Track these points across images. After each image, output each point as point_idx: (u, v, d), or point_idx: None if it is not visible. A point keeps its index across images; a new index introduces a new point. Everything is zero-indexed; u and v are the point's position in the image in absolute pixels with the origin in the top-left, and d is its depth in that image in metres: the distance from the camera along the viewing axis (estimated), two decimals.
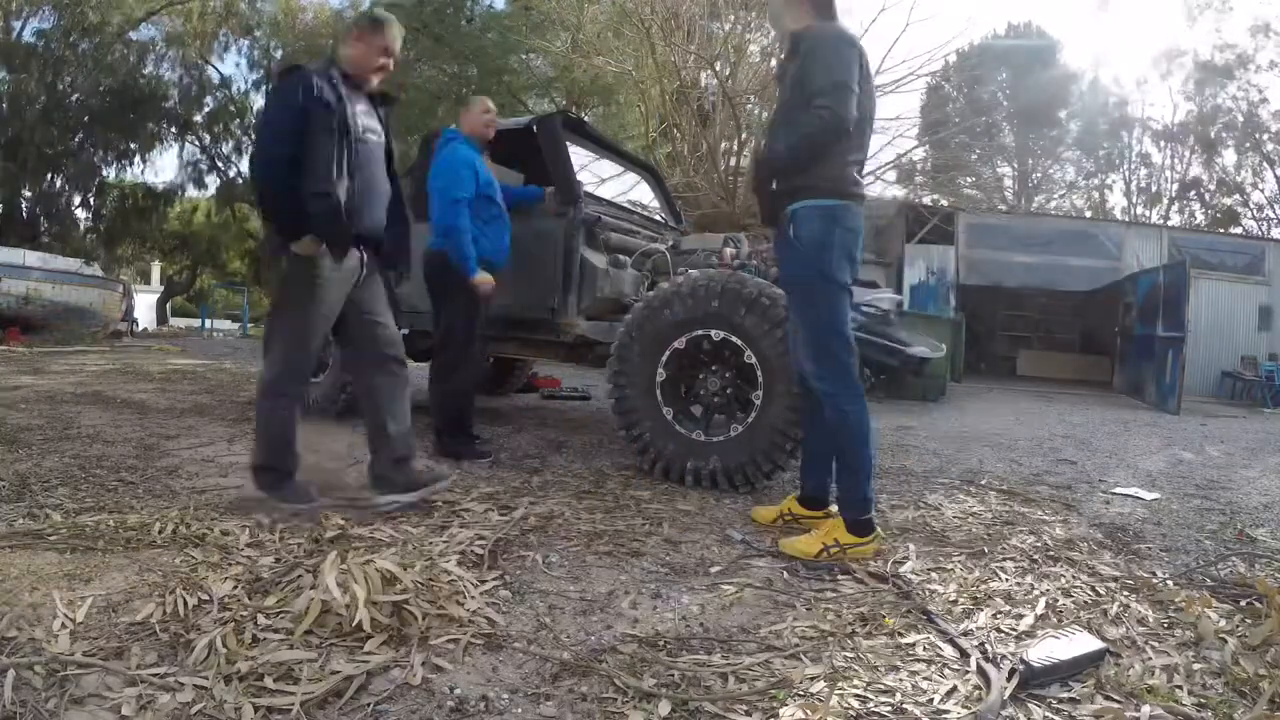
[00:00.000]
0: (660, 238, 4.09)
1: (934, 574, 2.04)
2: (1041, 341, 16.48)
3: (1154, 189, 24.52)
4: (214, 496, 2.48)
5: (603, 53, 11.30)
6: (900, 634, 1.62)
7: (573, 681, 1.37)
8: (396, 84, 14.24)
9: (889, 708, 1.31)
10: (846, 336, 2.21)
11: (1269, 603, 1.75)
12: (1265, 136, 21.61)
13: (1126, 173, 25.33)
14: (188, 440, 3.43)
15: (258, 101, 21.31)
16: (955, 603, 1.83)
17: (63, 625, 1.45)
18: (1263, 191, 22.66)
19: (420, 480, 2.50)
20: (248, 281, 24.90)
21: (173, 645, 1.41)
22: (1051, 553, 2.28)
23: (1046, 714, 1.33)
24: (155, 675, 1.29)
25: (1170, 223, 21.48)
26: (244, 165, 21.63)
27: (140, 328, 16.46)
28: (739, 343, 2.93)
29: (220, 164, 22.01)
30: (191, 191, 22.81)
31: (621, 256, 3.64)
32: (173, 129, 20.86)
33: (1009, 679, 1.40)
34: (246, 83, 21.46)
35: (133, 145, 20.12)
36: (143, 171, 26.47)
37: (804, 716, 1.27)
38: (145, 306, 20.75)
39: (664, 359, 3.06)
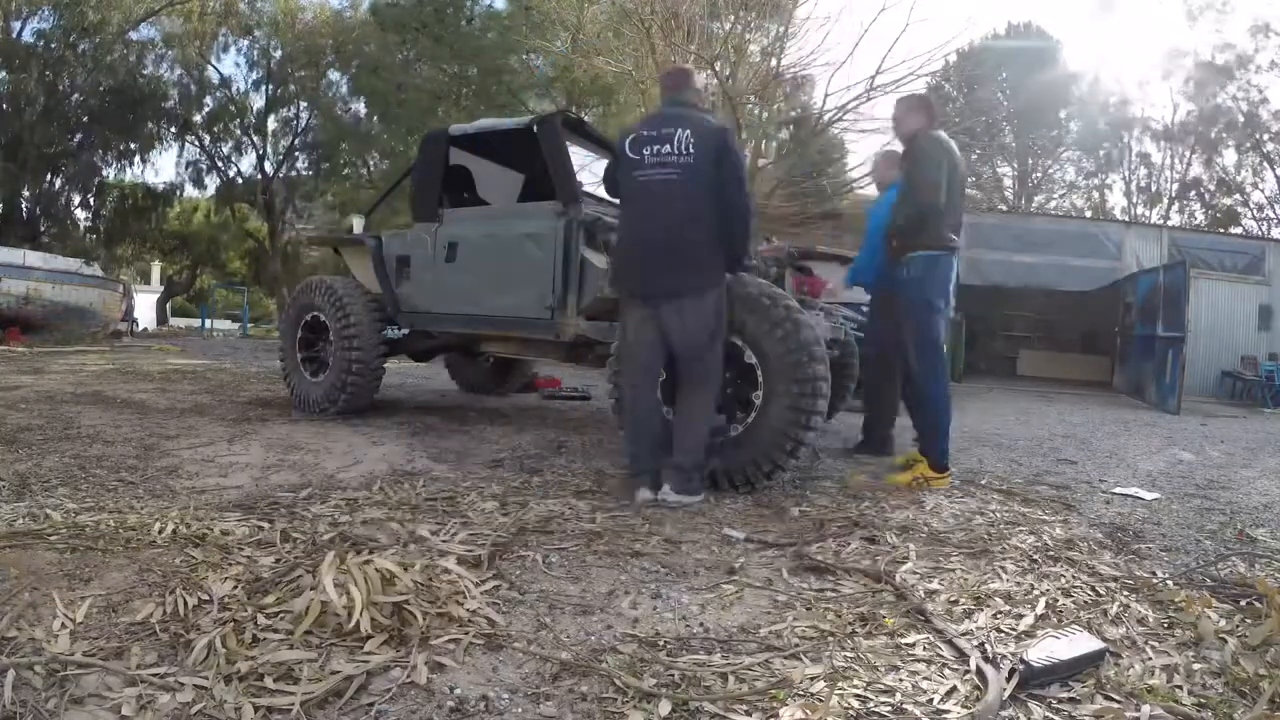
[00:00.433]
0: None
1: (934, 574, 2.04)
2: (1041, 341, 16.48)
3: (1154, 189, 24.53)
4: (214, 496, 2.48)
5: (603, 53, 11.29)
6: (900, 634, 1.62)
7: (573, 681, 1.37)
8: (396, 84, 14.28)
9: (889, 708, 1.31)
10: (938, 342, 3.29)
11: (1269, 603, 1.75)
12: (1265, 136, 21.60)
13: (1126, 173, 25.35)
14: (188, 440, 3.44)
15: (257, 101, 21.37)
16: (955, 603, 1.83)
17: (63, 625, 1.45)
18: (1263, 191, 22.68)
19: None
20: (247, 281, 24.92)
21: (173, 645, 1.41)
22: (1051, 553, 2.28)
23: (1046, 714, 1.33)
24: (155, 675, 1.29)
25: (1170, 223, 21.48)
26: (244, 165, 21.70)
27: (140, 328, 16.48)
28: (739, 343, 2.93)
29: (220, 164, 22.05)
30: (191, 191, 22.87)
31: None
32: (172, 129, 20.91)
33: (1008, 679, 1.40)
34: (246, 83, 21.54)
35: (132, 145, 20.17)
36: (142, 171, 26.55)
37: (804, 716, 1.27)
38: (145, 306, 20.75)
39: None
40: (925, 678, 1.43)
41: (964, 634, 1.62)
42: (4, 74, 16.91)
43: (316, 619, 1.47)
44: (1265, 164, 22.12)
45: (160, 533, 1.98)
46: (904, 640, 1.59)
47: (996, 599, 1.85)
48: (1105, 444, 5.26)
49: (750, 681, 1.39)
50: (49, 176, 19.21)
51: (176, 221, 24.02)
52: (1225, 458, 4.89)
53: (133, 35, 18.44)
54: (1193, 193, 24.13)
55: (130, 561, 1.80)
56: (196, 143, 21.67)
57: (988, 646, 1.55)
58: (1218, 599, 1.89)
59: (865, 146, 40.66)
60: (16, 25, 17.26)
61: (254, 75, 21.29)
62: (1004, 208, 22.20)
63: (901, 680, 1.41)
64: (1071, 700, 1.37)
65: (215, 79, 21.23)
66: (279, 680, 1.29)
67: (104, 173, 20.58)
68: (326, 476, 2.87)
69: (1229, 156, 23.12)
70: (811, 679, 1.39)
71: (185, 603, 1.57)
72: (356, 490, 2.64)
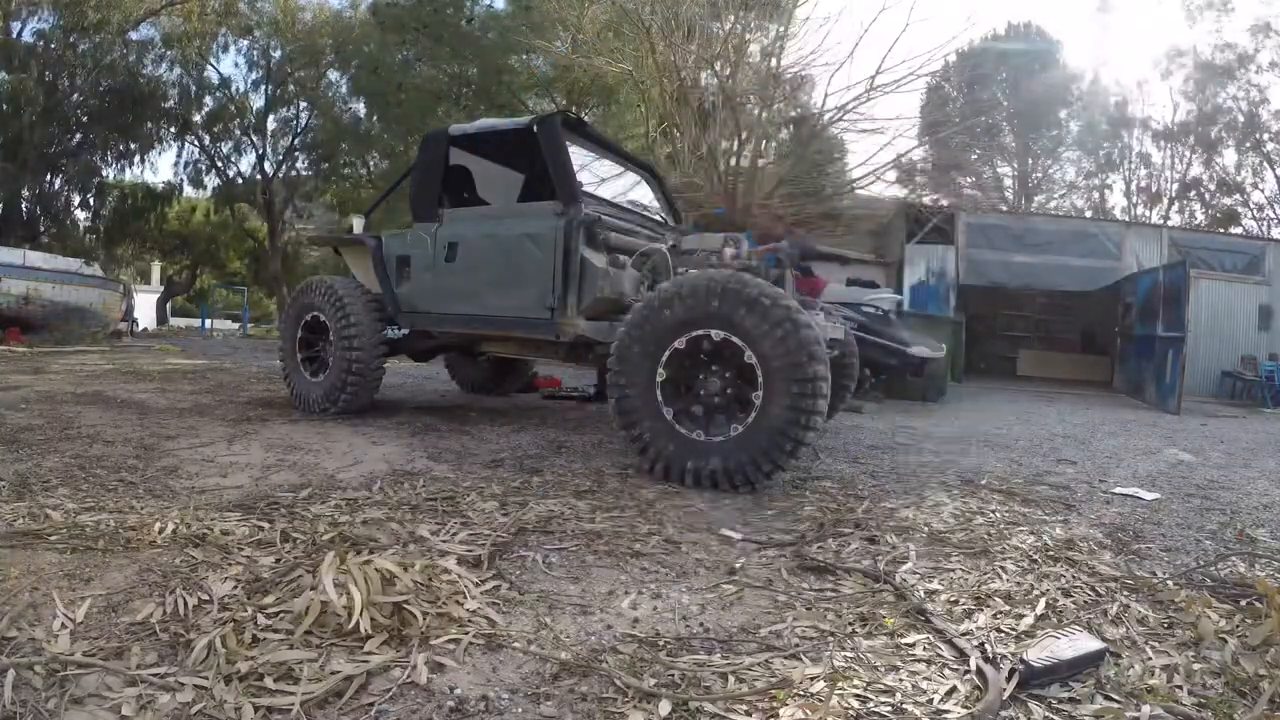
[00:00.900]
0: (660, 238, 4.09)
1: (934, 574, 2.04)
2: (1041, 341, 16.50)
3: (1154, 189, 24.52)
4: (214, 496, 2.48)
5: (603, 53, 11.29)
6: (900, 634, 1.62)
7: (573, 681, 1.37)
8: (396, 84, 14.28)
9: (889, 708, 1.31)
10: None
11: (1269, 603, 1.75)
12: (1265, 136, 21.60)
13: (1126, 173, 25.34)
14: (188, 440, 3.44)
15: (257, 101, 21.37)
16: (955, 603, 1.83)
17: (63, 625, 1.45)
18: (1263, 191, 22.67)
19: None
20: (247, 281, 24.92)
21: (173, 645, 1.41)
22: (1051, 553, 2.28)
23: (1046, 714, 1.33)
24: (155, 675, 1.29)
25: (1170, 223, 21.46)
26: (244, 165, 21.72)
27: (140, 328, 16.49)
28: (739, 343, 2.93)
29: (219, 164, 22.05)
30: (191, 191, 22.86)
31: (621, 256, 3.64)
32: (172, 129, 20.90)
33: (1009, 679, 1.40)
34: (246, 83, 21.53)
35: (132, 145, 20.17)
36: (142, 171, 26.55)
37: (804, 716, 1.27)
38: (145, 306, 20.75)
39: (664, 359, 3.06)
40: (925, 678, 1.43)
41: (964, 634, 1.62)
42: (4, 74, 16.90)
43: (316, 619, 1.47)
44: (1265, 164, 22.11)
45: (160, 533, 1.98)
46: (904, 640, 1.59)
47: (996, 599, 1.85)
48: (1105, 444, 5.26)
49: (750, 681, 1.39)
50: (49, 176, 19.21)
51: (176, 221, 24.00)
52: (1225, 458, 4.89)
53: (133, 35, 18.43)
54: (1193, 193, 24.13)
55: (130, 561, 1.80)
56: (196, 143, 21.67)
57: (988, 646, 1.55)
58: (1218, 599, 1.89)
59: (865, 146, 40.67)
60: (16, 25, 17.26)
61: (254, 75, 21.31)
62: (1004, 208, 22.19)
63: (901, 680, 1.41)
64: (1071, 700, 1.38)
65: (215, 79, 21.25)
66: (279, 680, 1.29)
67: (104, 173, 20.59)
68: (326, 476, 2.87)
69: (1229, 156, 23.14)
70: (811, 679, 1.39)
71: (185, 603, 1.57)
72: (356, 490, 2.64)
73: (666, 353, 3.06)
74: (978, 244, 12.78)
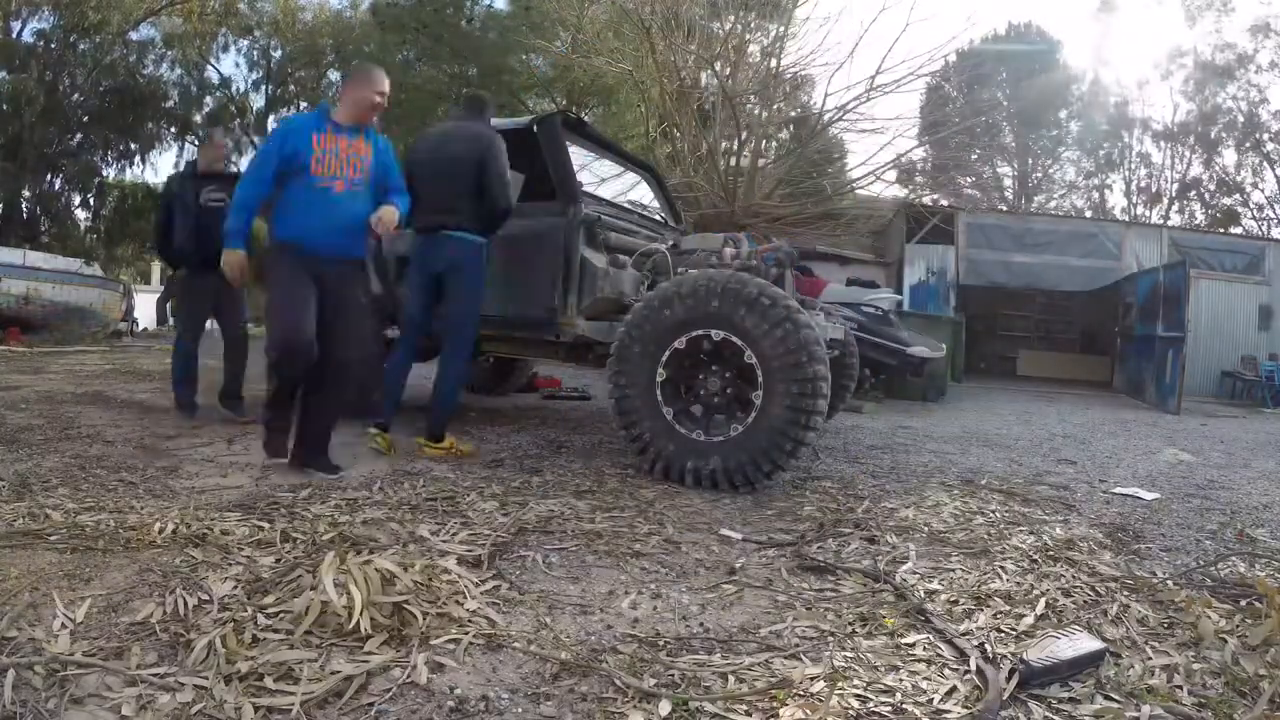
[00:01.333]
0: (660, 238, 4.09)
1: (934, 574, 2.04)
2: (1041, 341, 16.49)
3: (1154, 189, 24.53)
4: (214, 496, 2.48)
5: (603, 53, 11.29)
6: (900, 634, 1.62)
7: (573, 681, 1.37)
8: (396, 84, 14.28)
9: (889, 708, 1.31)
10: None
11: (1269, 603, 1.75)
12: (1265, 136, 21.61)
13: (1126, 173, 25.35)
14: (188, 440, 3.44)
15: (257, 101, 21.37)
16: (955, 603, 1.83)
17: (63, 625, 1.45)
18: (1263, 191, 22.67)
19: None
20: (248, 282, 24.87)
21: (173, 645, 1.41)
22: (1051, 553, 2.28)
23: (1046, 714, 1.33)
24: (155, 675, 1.29)
25: (1170, 223, 21.47)
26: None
27: (140, 328, 16.47)
28: (739, 343, 2.93)
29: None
30: None
31: (621, 256, 3.64)
32: (172, 129, 20.89)
33: (1008, 679, 1.40)
34: (246, 83, 21.54)
35: (132, 145, 20.16)
36: (142, 171, 26.47)
37: (804, 716, 1.27)
38: (145, 306, 20.73)
39: (664, 359, 3.06)
40: (925, 678, 1.43)
41: (964, 634, 1.62)
42: (4, 74, 16.91)
43: (317, 619, 1.47)
44: (1265, 164, 22.12)
45: (160, 533, 1.98)
46: (904, 640, 1.59)
47: (996, 599, 1.86)
48: (1105, 444, 5.26)
49: (750, 681, 1.39)
50: (49, 176, 19.21)
51: None
52: (1225, 458, 4.89)
53: (133, 35, 18.42)
54: (1193, 193, 24.14)
55: (130, 561, 1.80)
56: (196, 143, 21.64)
57: (988, 646, 1.55)
58: (1218, 599, 1.89)
59: (865, 146, 40.70)
60: (16, 25, 17.26)
61: (254, 75, 21.34)
62: (1004, 208, 22.20)
63: (901, 680, 1.41)
64: (1071, 700, 1.38)
65: (215, 79, 21.27)
66: (279, 680, 1.29)
67: (104, 173, 20.59)
68: (326, 476, 2.87)
69: (1229, 156, 23.15)
70: (811, 679, 1.39)
71: (185, 603, 1.57)
72: (356, 490, 2.64)
73: (666, 353, 3.06)
74: (978, 244, 12.77)
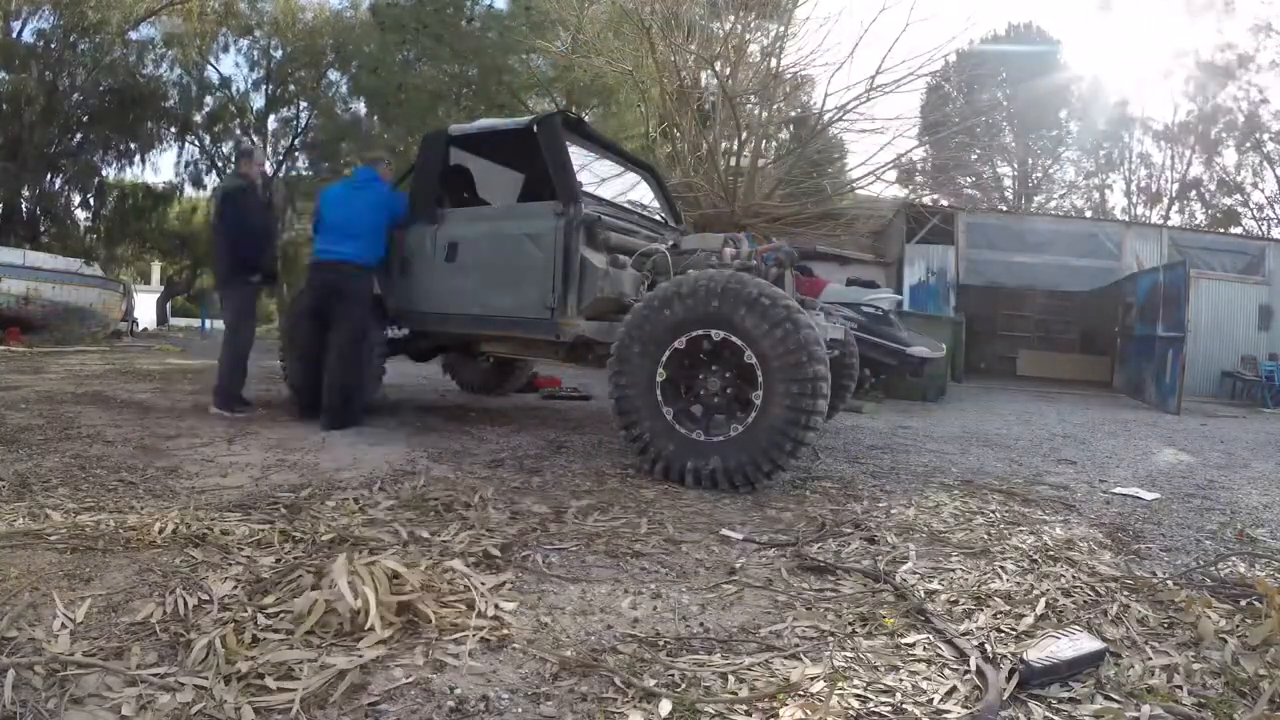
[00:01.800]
0: (660, 238, 4.09)
1: (934, 574, 2.04)
2: (1041, 341, 16.50)
3: (1154, 189, 24.53)
4: (214, 496, 2.48)
5: (603, 53, 11.28)
6: (900, 634, 1.62)
7: (573, 681, 1.37)
8: (396, 84, 14.27)
9: (889, 708, 1.31)
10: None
11: (1269, 603, 1.75)
12: (1265, 136, 21.61)
13: (1126, 173, 25.36)
14: (188, 440, 3.44)
15: (257, 101, 21.37)
16: (955, 603, 1.83)
17: (63, 625, 1.45)
18: (1263, 191, 22.68)
19: None
20: None
21: (173, 645, 1.41)
22: (1051, 553, 2.28)
23: (1046, 714, 1.33)
24: (155, 675, 1.29)
25: (1170, 223, 21.48)
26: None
27: (140, 328, 16.48)
28: (739, 343, 2.93)
29: (220, 164, 22.03)
30: (191, 191, 22.85)
31: (621, 256, 3.64)
32: (172, 129, 20.89)
33: (1008, 679, 1.40)
34: (246, 83, 21.53)
35: (132, 145, 20.16)
36: (142, 171, 26.51)
37: (804, 716, 1.27)
38: (145, 306, 20.74)
39: (664, 359, 3.06)
40: (925, 678, 1.43)
41: (964, 634, 1.62)
42: (4, 74, 16.90)
43: (319, 619, 1.47)
44: (1265, 164, 22.12)
45: (160, 533, 1.98)
46: (904, 640, 1.59)
47: (996, 599, 1.86)
48: (1105, 444, 5.26)
49: (750, 681, 1.39)
50: (49, 176, 19.20)
51: (176, 221, 23.99)
52: (1225, 458, 4.89)
53: (133, 35, 18.41)
54: (1193, 193, 24.14)
55: (130, 561, 1.80)
56: (196, 143, 21.68)
57: (988, 646, 1.55)
58: (1218, 599, 1.89)
59: (865, 146, 40.69)
60: (16, 25, 17.25)
61: (254, 75, 21.33)
62: (1004, 208, 22.20)
63: (901, 680, 1.41)
64: (1071, 700, 1.38)
65: (215, 79, 21.26)
66: (279, 680, 1.29)
67: (104, 173, 20.59)
68: (326, 476, 2.87)
69: (1229, 156, 23.16)
70: (811, 679, 1.39)
71: (185, 603, 1.57)
72: (357, 490, 2.64)
73: (666, 353, 3.06)
74: (978, 244, 12.78)
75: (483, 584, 1.76)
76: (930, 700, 1.34)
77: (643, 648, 1.52)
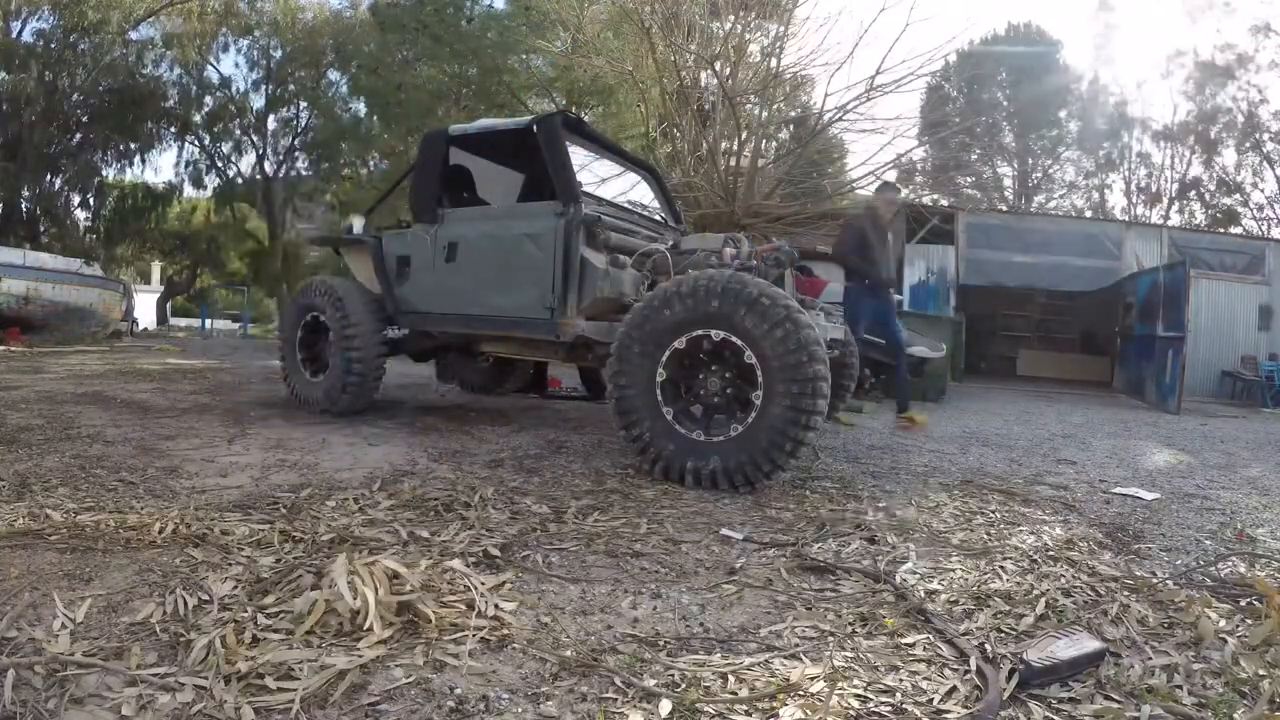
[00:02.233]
0: (660, 238, 4.09)
1: (934, 574, 2.04)
2: (1041, 341, 16.50)
3: (1154, 189, 24.53)
4: (214, 496, 2.48)
5: (602, 53, 11.29)
6: (900, 634, 1.62)
7: (573, 681, 1.37)
8: (396, 84, 14.28)
9: (889, 708, 1.31)
10: None
11: (1269, 603, 1.75)
12: (1265, 136, 21.61)
13: (1126, 173, 25.35)
14: (188, 440, 3.44)
15: (257, 101, 21.37)
16: (955, 603, 1.83)
17: (63, 625, 1.45)
18: (1263, 191, 22.68)
19: None
20: (248, 281, 24.92)
21: (173, 645, 1.41)
22: (1051, 553, 2.28)
23: (1046, 714, 1.33)
24: (155, 675, 1.29)
25: (1170, 223, 21.48)
26: (244, 165, 21.76)
27: (140, 328, 16.48)
28: (739, 343, 2.93)
29: (220, 164, 22.05)
30: (191, 191, 22.86)
31: (621, 256, 3.64)
32: (172, 129, 20.89)
33: (1008, 679, 1.40)
34: (246, 83, 21.53)
35: (132, 145, 20.16)
36: (142, 171, 26.54)
37: (804, 716, 1.27)
38: (145, 306, 20.75)
39: (664, 359, 3.06)
40: (925, 678, 1.43)
41: (964, 634, 1.62)
42: (4, 74, 16.89)
43: (319, 619, 1.47)
44: (1265, 164, 22.12)
45: (160, 533, 1.98)
46: (904, 640, 1.59)
47: (996, 599, 1.85)
48: (1105, 444, 5.26)
49: (750, 681, 1.39)
50: (49, 176, 19.19)
51: (176, 221, 24.00)
52: (1225, 458, 4.89)
53: (133, 35, 18.40)
54: (1193, 193, 24.14)
55: (130, 561, 1.80)
56: (196, 143, 21.67)
57: (988, 646, 1.55)
58: (1218, 599, 1.89)
59: (865, 146, 40.70)
60: (16, 25, 17.25)
61: (254, 75, 21.30)
62: (1004, 208, 22.20)
63: (901, 680, 1.41)
64: (1071, 700, 1.37)
65: (215, 79, 21.24)
66: (279, 680, 1.29)
67: (104, 173, 20.58)
68: (326, 476, 2.87)
69: (1229, 156, 23.16)
70: (811, 679, 1.39)
71: (185, 603, 1.57)
72: (357, 490, 2.64)
73: (666, 353, 3.06)
74: (978, 244, 12.77)
75: (483, 584, 1.76)
76: (930, 700, 1.34)
77: (643, 648, 1.52)
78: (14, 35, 17.19)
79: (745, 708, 1.29)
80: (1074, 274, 12.69)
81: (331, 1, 21.15)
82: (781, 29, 10.93)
